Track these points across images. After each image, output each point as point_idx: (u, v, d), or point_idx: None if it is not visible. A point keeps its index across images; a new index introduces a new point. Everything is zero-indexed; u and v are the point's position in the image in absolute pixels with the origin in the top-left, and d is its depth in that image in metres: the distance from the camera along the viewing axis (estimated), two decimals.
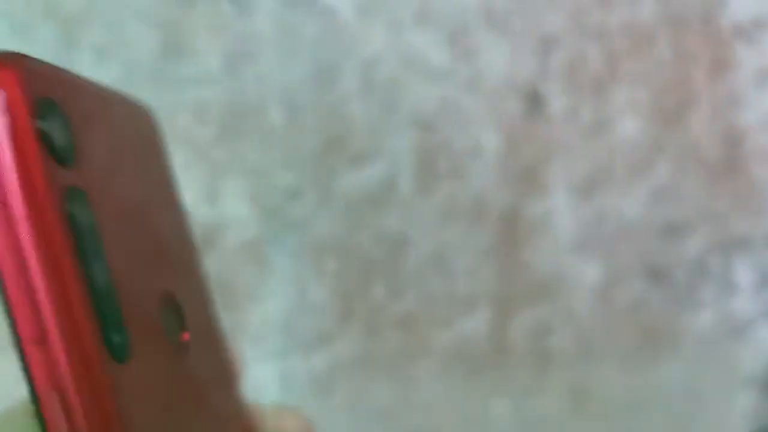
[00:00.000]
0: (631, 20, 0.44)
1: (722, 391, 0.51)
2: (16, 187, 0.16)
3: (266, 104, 0.43)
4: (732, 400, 0.51)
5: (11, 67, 0.17)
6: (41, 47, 0.41)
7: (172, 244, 0.23)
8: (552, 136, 0.45)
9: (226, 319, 0.48)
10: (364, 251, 0.44)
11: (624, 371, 0.47)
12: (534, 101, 0.44)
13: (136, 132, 0.23)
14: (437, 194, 0.44)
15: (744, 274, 0.48)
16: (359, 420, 0.46)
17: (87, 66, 0.41)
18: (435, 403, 0.46)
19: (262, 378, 0.44)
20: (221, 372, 0.23)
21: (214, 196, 0.44)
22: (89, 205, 0.17)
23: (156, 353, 0.19)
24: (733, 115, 0.45)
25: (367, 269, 0.44)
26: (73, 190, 0.17)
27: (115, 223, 0.19)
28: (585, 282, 0.46)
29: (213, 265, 0.44)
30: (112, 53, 0.41)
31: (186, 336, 0.21)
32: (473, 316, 0.45)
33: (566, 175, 0.45)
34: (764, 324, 0.49)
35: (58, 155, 0.17)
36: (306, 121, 0.43)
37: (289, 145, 0.43)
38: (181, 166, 0.43)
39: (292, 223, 0.44)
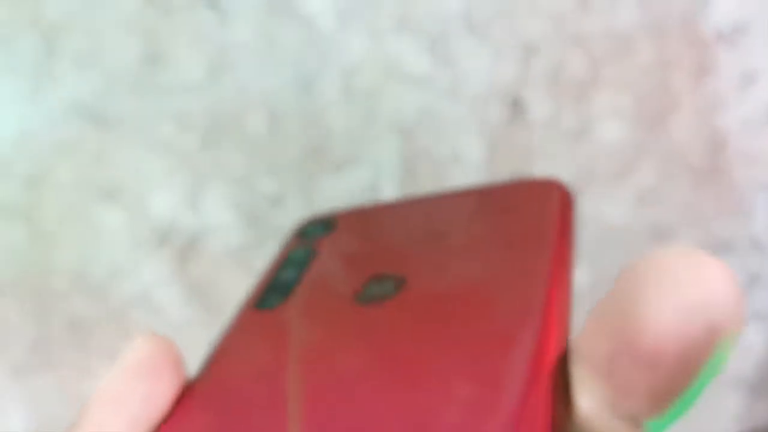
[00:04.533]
0: (613, 26, 0.44)
1: (711, 393, 0.51)
2: None
3: (248, 112, 0.43)
4: (721, 402, 0.51)
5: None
6: (22, 56, 0.41)
7: None
8: (534, 142, 0.45)
9: (213, 325, 0.49)
10: None
11: None
12: (516, 107, 0.44)
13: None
14: None
15: None
16: None
17: (68, 75, 0.41)
18: None
19: None
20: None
21: (197, 204, 0.44)
22: None
23: None
24: (715, 119, 0.45)
25: None
26: None
27: None
28: None
29: (196, 271, 0.45)
30: (93, 62, 0.41)
31: None
32: None
33: None
34: (751, 326, 0.49)
35: None
36: (288, 128, 0.43)
37: (272, 153, 0.43)
38: (163, 174, 0.43)
39: (274, 230, 0.44)
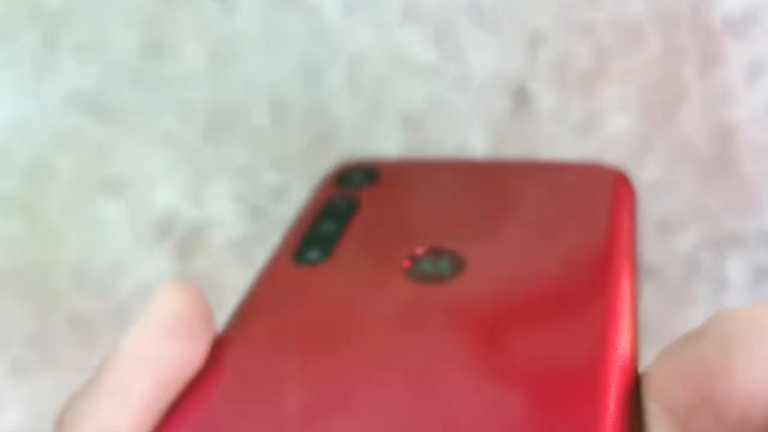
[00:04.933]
0: (620, 16, 0.43)
1: None
2: None
3: (251, 103, 0.42)
4: None
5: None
6: (22, 48, 0.40)
7: None
8: (540, 134, 0.44)
9: (216, 319, 0.48)
10: None
11: None
12: (522, 98, 0.44)
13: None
14: None
15: (737, 270, 0.48)
16: None
17: (69, 67, 0.41)
18: None
19: None
20: None
21: (199, 196, 0.43)
22: None
23: None
24: (724, 111, 0.45)
25: None
26: None
27: None
28: None
29: (199, 264, 0.44)
30: (94, 53, 0.41)
31: None
32: None
33: None
34: None
35: None
36: (292, 119, 0.43)
37: (275, 144, 0.43)
38: (165, 167, 0.43)
39: (278, 223, 0.43)
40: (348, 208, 0.23)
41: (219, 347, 0.18)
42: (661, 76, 0.44)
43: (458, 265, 0.20)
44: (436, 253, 0.20)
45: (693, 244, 0.47)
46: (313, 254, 0.21)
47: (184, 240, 0.43)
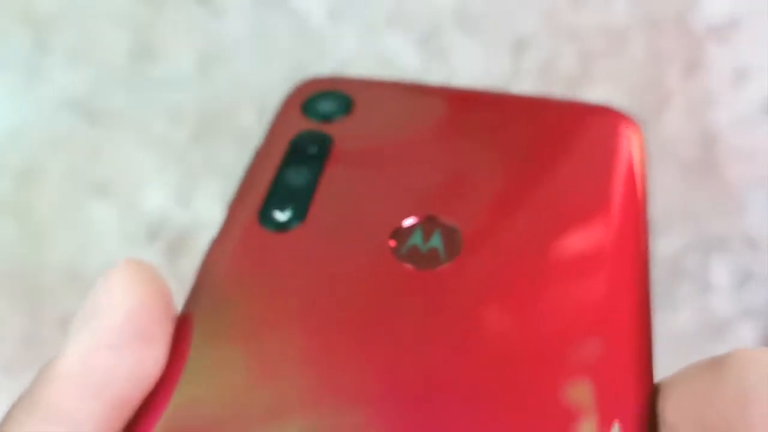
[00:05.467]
0: (605, 21, 0.44)
1: None
2: None
3: (239, 106, 0.43)
4: None
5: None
6: (13, 51, 0.41)
7: None
8: None
9: None
10: None
11: None
12: None
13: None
14: None
15: (721, 273, 0.48)
16: None
17: (59, 70, 0.41)
18: None
19: None
20: None
21: (188, 198, 0.43)
22: None
23: None
24: (707, 115, 0.45)
25: None
26: None
27: None
28: None
29: (188, 266, 0.44)
30: (84, 56, 0.41)
31: None
32: None
33: None
34: (743, 323, 0.49)
35: None
36: None
37: None
38: (155, 169, 0.43)
39: None
40: (319, 149, 0.19)
41: (181, 337, 0.16)
42: (645, 81, 0.45)
43: (453, 242, 0.17)
44: (426, 225, 0.18)
45: (678, 248, 0.47)
46: (281, 216, 0.18)
47: (173, 241, 0.44)
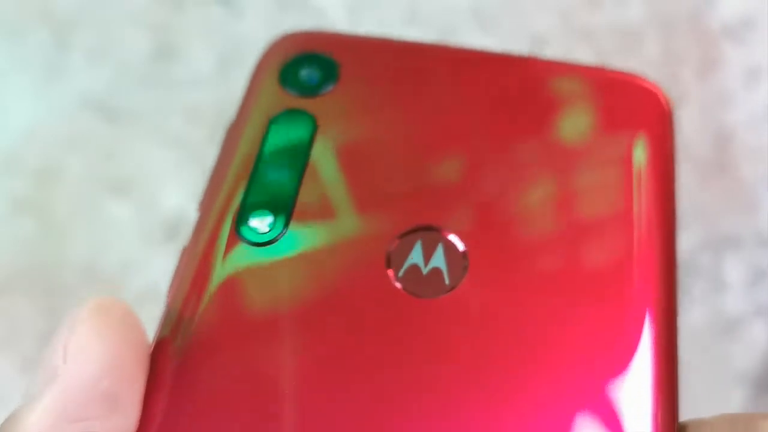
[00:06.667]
0: (620, 20, 0.44)
1: (715, 389, 0.51)
2: None
3: None
4: (725, 398, 0.51)
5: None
6: (33, 50, 0.41)
7: None
8: None
9: None
10: None
11: None
12: None
13: None
14: None
15: (734, 271, 0.48)
16: None
17: (78, 69, 0.41)
18: None
19: None
20: None
21: None
22: None
23: None
24: (722, 114, 0.46)
25: None
26: None
27: None
28: None
29: None
30: (103, 56, 0.42)
31: None
32: None
33: None
34: (756, 321, 0.50)
35: None
36: None
37: None
38: (173, 168, 0.43)
39: None
40: (302, 133, 0.16)
41: (156, 363, 0.14)
42: (659, 80, 0.45)
43: (458, 259, 0.14)
44: (426, 239, 0.15)
45: (691, 246, 0.48)
46: (260, 225, 0.15)
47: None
